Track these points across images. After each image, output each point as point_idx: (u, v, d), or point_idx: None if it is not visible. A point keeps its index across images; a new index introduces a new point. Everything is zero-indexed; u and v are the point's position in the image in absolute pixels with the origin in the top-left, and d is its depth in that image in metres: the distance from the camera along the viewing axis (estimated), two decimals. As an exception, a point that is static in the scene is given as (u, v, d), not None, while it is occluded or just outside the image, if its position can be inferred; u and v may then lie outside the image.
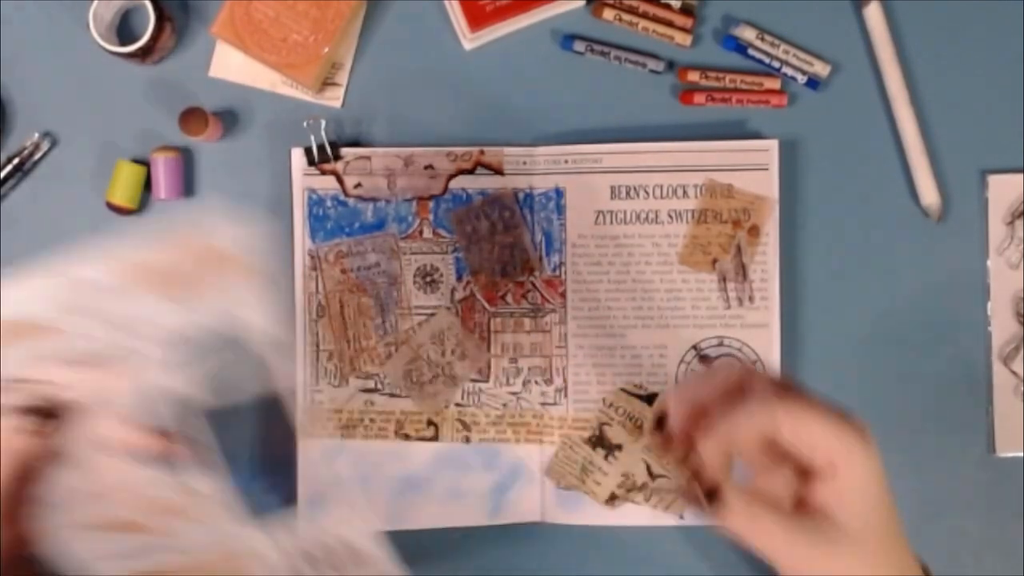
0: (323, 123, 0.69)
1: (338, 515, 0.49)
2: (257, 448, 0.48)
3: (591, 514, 0.68)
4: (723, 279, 0.68)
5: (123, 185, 0.68)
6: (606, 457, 0.68)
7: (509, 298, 0.69)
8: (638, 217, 0.68)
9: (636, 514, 0.68)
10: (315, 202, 0.69)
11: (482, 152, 0.69)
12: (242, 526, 0.47)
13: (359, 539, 0.49)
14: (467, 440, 0.69)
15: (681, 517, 0.68)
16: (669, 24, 0.69)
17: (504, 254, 0.69)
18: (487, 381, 0.69)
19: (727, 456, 0.48)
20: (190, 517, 0.48)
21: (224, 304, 0.49)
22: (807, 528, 0.47)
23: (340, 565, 0.49)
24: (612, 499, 0.68)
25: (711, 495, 0.48)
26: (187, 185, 0.70)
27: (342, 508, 0.50)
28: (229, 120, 0.70)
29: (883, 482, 0.47)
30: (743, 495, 0.48)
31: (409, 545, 0.69)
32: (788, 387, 0.48)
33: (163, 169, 0.68)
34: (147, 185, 0.69)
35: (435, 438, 0.69)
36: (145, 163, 0.69)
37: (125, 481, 0.46)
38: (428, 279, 0.69)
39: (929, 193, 0.69)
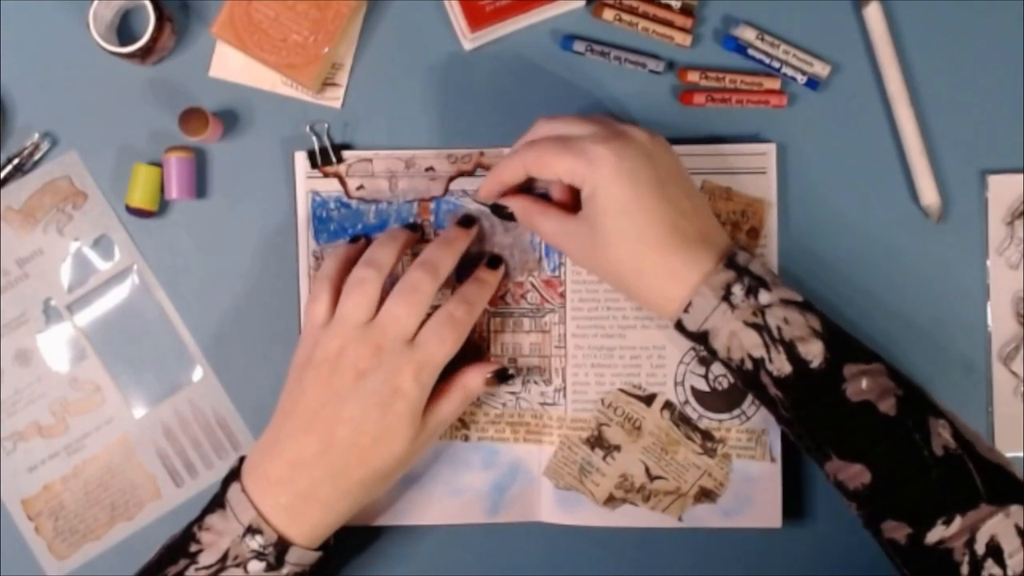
0: (327, 126, 0.69)
1: None
2: None
3: (589, 514, 0.68)
4: (722, 279, 0.68)
5: (141, 187, 0.68)
6: (604, 458, 0.68)
7: (509, 298, 0.69)
8: (638, 217, 0.68)
9: (634, 515, 0.68)
10: (318, 204, 0.69)
11: (482, 154, 0.69)
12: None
13: None
14: (466, 439, 0.69)
15: (680, 519, 0.68)
16: (669, 24, 0.69)
17: (504, 254, 0.69)
18: (487, 381, 0.69)
19: (508, 188, 0.65)
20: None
21: None
22: (578, 227, 0.62)
23: None
24: (610, 500, 0.68)
25: (502, 209, 0.67)
26: (199, 186, 0.70)
27: None
28: (229, 120, 0.70)
29: (629, 198, 0.59)
30: (521, 201, 0.66)
31: (407, 542, 0.70)
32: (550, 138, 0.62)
33: (176, 169, 0.68)
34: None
35: (435, 437, 0.69)
36: (152, 164, 0.69)
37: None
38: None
39: (929, 193, 0.68)
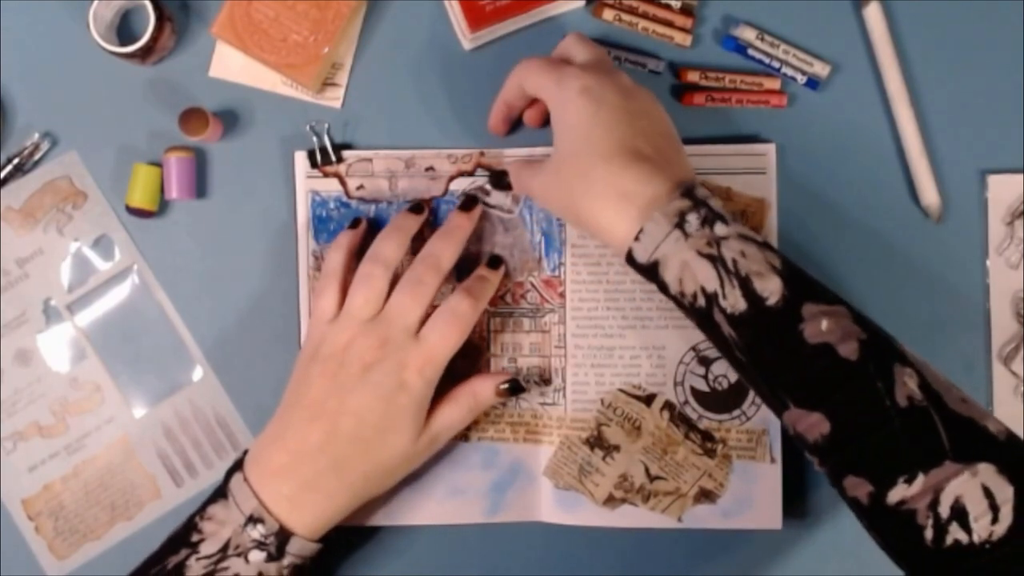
0: (327, 126, 0.69)
1: None
2: None
3: (589, 514, 0.68)
4: (722, 279, 0.68)
5: (141, 187, 0.68)
6: (604, 458, 0.68)
7: (508, 298, 0.69)
8: (637, 217, 0.68)
9: (634, 515, 0.68)
10: (318, 204, 0.69)
11: (482, 154, 0.69)
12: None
13: None
14: (466, 439, 0.69)
15: (679, 520, 0.68)
16: (669, 24, 0.69)
17: (504, 254, 0.69)
18: (486, 381, 0.69)
19: (513, 110, 0.67)
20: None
21: None
22: (544, 164, 0.62)
23: None
24: (610, 500, 0.68)
25: (501, 176, 0.68)
26: (199, 186, 0.70)
27: None
28: (229, 120, 0.70)
29: (589, 116, 0.58)
30: (515, 162, 0.67)
31: (406, 541, 0.70)
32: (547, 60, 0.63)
33: (176, 169, 0.68)
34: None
35: (435, 438, 0.69)
36: (152, 164, 0.69)
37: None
38: (428, 279, 0.69)
39: (929, 193, 0.69)
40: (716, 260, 0.56)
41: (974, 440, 0.52)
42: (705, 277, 0.56)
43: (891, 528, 0.53)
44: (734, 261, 0.56)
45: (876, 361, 0.53)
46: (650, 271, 0.58)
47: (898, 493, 0.51)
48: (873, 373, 0.53)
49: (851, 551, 0.69)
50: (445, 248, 0.64)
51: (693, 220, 0.56)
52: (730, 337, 0.56)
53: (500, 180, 0.68)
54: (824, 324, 0.54)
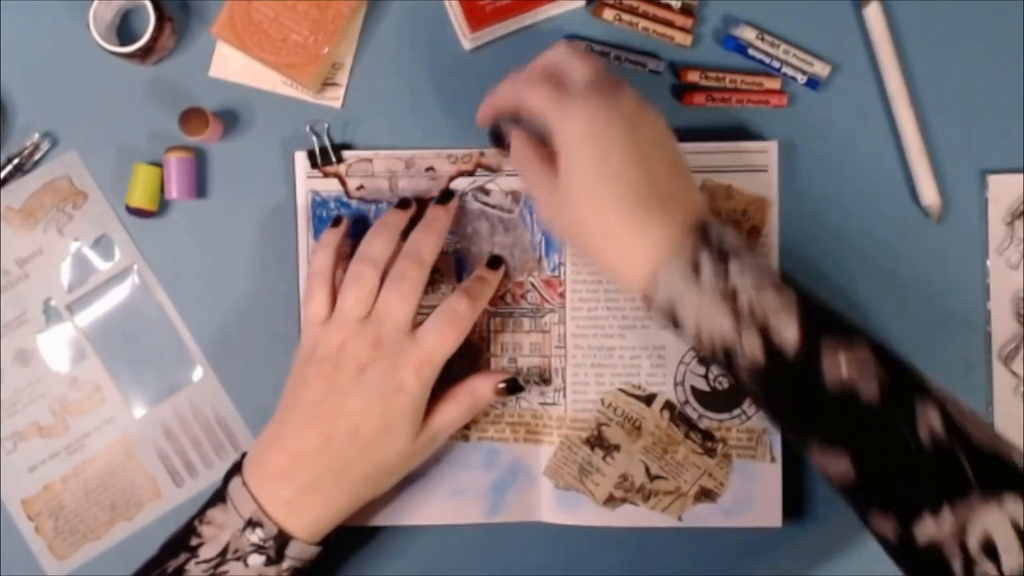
0: (327, 126, 0.69)
1: None
2: None
3: (589, 514, 0.68)
4: (722, 279, 0.68)
5: (141, 187, 0.68)
6: (604, 458, 0.68)
7: (508, 298, 0.69)
8: (638, 217, 0.68)
9: (634, 515, 0.68)
10: (318, 204, 0.69)
11: (482, 154, 0.69)
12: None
13: None
14: (466, 439, 0.69)
15: (680, 519, 0.68)
16: (669, 24, 0.69)
17: (504, 254, 0.69)
18: (487, 381, 0.69)
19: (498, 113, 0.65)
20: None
21: None
22: (553, 184, 0.59)
23: None
24: (610, 499, 0.68)
25: (500, 138, 0.66)
26: (199, 186, 0.70)
27: None
28: (229, 120, 0.70)
29: (597, 157, 0.57)
30: (523, 138, 0.63)
31: (407, 542, 0.70)
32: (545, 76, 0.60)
33: (176, 169, 0.68)
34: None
35: (435, 437, 0.69)
36: (152, 164, 0.69)
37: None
38: (429, 279, 0.69)
39: (929, 193, 0.69)
40: (732, 309, 0.55)
41: (999, 472, 0.52)
42: (722, 328, 0.55)
43: (920, 563, 0.53)
44: (750, 309, 0.55)
45: (897, 400, 0.53)
46: (666, 316, 0.58)
47: (925, 528, 0.52)
48: (895, 413, 0.53)
49: (851, 550, 0.69)
50: (425, 241, 0.64)
51: (707, 266, 0.56)
52: (750, 387, 0.57)
53: (499, 141, 0.67)
54: (843, 362, 0.54)
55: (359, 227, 0.69)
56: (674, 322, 0.57)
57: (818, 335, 0.55)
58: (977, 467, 0.52)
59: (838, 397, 0.54)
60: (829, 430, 0.55)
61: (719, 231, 0.57)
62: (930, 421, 0.53)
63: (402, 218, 0.66)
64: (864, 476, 0.54)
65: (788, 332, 0.55)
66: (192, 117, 0.67)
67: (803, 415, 0.56)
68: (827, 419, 0.55)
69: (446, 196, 0.67)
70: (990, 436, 0.53)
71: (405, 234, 0.65)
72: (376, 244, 0.64)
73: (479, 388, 0.65)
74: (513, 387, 0.65)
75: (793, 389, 0.55)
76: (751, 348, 0.55)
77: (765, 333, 0.55)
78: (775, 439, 0.68)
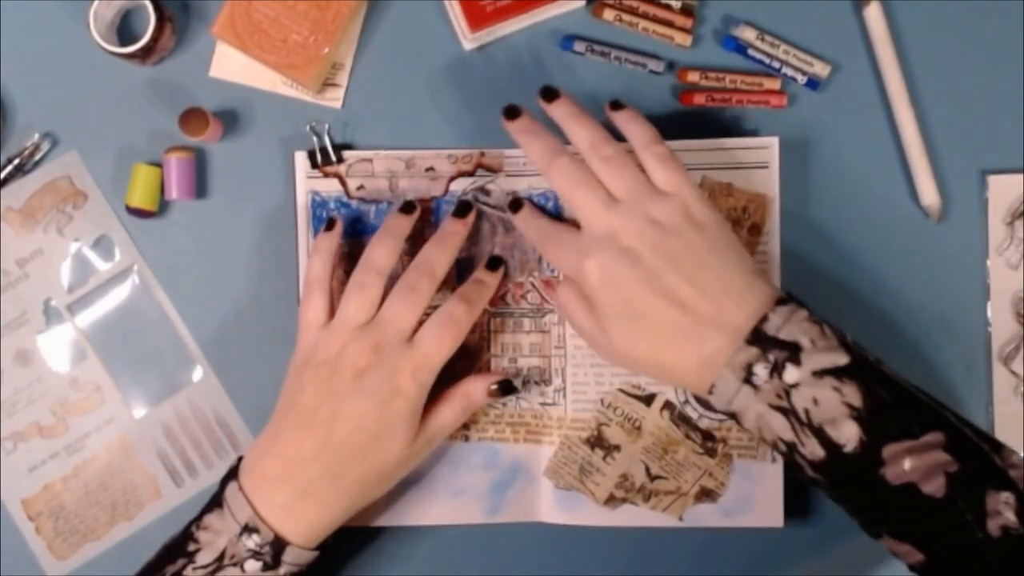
0: (327, 126, 0.69)
1: None
2: None
3: (589, 514, 0.68)
4: (723, 279, 0.68)
5: (141, 187, 0.68)
6: (604, 458, 0.68)
7: (509, 298, 0.69)
8: (638, 217, 0.68)
9: (635, 515, 0.68)
10: (318, 204, 0.69)
11: (482, 154, 0.69)
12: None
13: None
14: (466, 439, 0.69)
15: (680, 519, 0.68)
16: (669, 24, 0.69)
17: (504, 255, 0.69)
18: (487, 381, 0.69)
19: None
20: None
21: None
22: (593, 315, 0.60)
23: None
24: (611, 499, 0.68)
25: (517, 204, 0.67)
26: (199, 186, 0.70)
27: None
28: (229, 120, 0.70)
29: (621, 306, 0.58)
30: (569, 286, 0.62)
31: (407, 542, 0.70)
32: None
33: (176, 169, 0.68)
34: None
35: (435, 437, 0.69)
36: (152, 164, 0.69)
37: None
38: (428, 279, 0.69)
39: (929, 193, 0.69)
40: (788, 412, 0.55)
41: None
42: (780, 428, 0.55)
43: None
44: (807, 411, 0.55)
45: (965, 493, 0.52)
46: (731, 417, 0.58)
47: None
48: (962, 507, 0.52)
49: (852, 550, 0.69)
50: (439, 255, 0.64)
51: (761, 371, 0.55)
52: (813, 479, 0.57)
53: (516, 205, 0.67)
54: (907, 464, 0.53)
55: (357, 227, 0.69)
56: (738, 422, 0.58)
57: (881, 442, 0.54)
58: None
59: (900, 490, 0.53)
60: (895, 520, 0.54)
61: (779, 323, 0.56)
62: (1002, 513, 0.52)
63: (406, 223, 0.66)
64: (934, 565, 0.53)
65: (847, 431, 0.54)
66: (192, 117, 0.67)
67: (867, 505, 0.55)
68: (891, 510, 0.54)
69: (464, 210, 0.67)
70: None
71: (409, 238, 0.66)
72: (381, 252, 0.64)
73: (472, 390, 0.65)
74: (506, 388, 0.65)
75: (855, 480, 0.55)
76: (811, 445, 0.55)
77: (823, 434, 0.54)
78: (775, 439, 0.68)
